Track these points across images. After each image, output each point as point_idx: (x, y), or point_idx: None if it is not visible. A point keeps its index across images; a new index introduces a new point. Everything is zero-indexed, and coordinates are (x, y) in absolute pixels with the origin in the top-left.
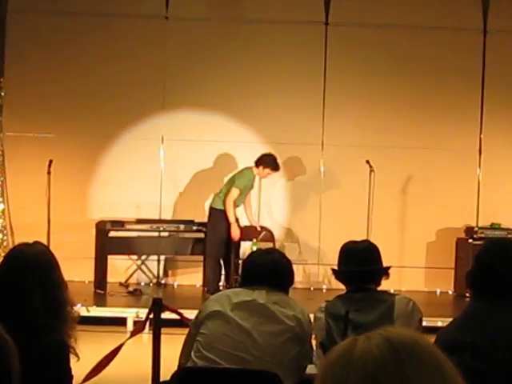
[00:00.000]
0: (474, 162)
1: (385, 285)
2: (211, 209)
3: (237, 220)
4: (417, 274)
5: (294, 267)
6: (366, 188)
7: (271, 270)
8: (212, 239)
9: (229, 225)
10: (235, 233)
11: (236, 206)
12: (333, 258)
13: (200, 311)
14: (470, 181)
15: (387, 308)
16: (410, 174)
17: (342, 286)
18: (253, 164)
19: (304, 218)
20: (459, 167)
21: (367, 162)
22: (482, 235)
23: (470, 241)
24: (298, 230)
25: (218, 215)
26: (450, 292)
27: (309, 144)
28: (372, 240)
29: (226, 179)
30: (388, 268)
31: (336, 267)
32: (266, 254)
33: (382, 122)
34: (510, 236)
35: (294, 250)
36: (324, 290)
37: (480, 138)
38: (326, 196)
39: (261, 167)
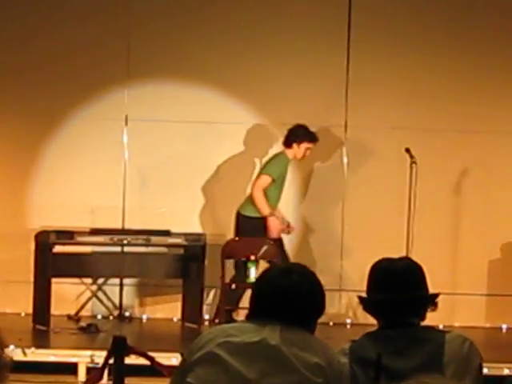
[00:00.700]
0: None
1: (431, 319)
2: (239, 216)
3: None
4: (475, 303)
5: None
6: (405, 186)
7: (290, 297)
8: None
9: (263, 234)
10: (274, 226)
11: (272, 206)
12: (360, 282)
13: (188, 352)
14: None
15: (435, 350)
16: (465, 167)
17: (372, 320)
18: (277, 150)
19: (320, 226)
20: None
21: (407, 150)
22: None
23: None
24: (313, 242)
25: (248, 223)
26: None
27: (327, 126)
28: (413, 257)
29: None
30: (436, 296)
31: (364, 294)
32: (281, 274)
33: (426, 97)
34: None
35: None
36: (348, 326)
37: None
38: (350, 196)
39: (295, 145)
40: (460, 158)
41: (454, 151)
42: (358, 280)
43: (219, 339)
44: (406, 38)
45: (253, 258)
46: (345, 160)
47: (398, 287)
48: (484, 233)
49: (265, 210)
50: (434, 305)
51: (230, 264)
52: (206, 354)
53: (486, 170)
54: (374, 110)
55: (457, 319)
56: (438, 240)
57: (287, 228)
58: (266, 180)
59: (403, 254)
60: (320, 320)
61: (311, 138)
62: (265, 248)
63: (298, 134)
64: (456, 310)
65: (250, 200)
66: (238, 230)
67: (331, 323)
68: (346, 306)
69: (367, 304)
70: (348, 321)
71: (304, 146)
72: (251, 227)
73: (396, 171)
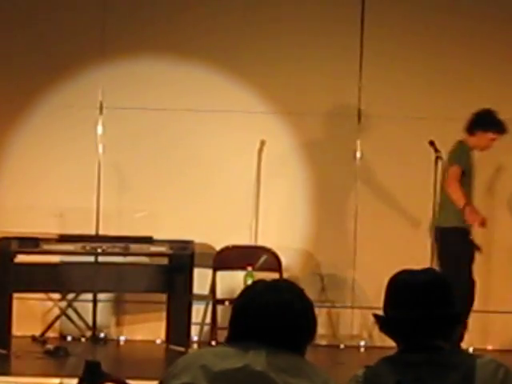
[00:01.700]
0: None
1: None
2: (438, 230)
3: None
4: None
5: (316, 311)
6: (429, 184)
7: (277, 317)
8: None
9: (466, 247)
10: (472, 216)
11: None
12: (375, 298)
13: (162, 382)
14: None
15: (463, 377)
16: (500, 164)
17: (390, 343)
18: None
19: (329, 233)
20: None
21: (431, 143)
22: None
23: None
24: (320, 252)
25: (453, 236)
26: None
27: (338, 114)
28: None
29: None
30: (464, 314)
31: (381, 312)
32: (268, 290)
33: (453, 81)
34: None
35: (312, 285)
36: (362, 349)
37: None
38: (364, 198)
39: (479, 133)
40: (495, 153)
41: None
42: (374, 295)
43: (196, 367)
44: (427, 22)
45: (250, 269)
46: (358, 155)
47: (421, 303)
48: None
49: (460, 200)
50: (464, 325)
51: (222, 276)
52: None
53: None
54: (392, 95)
55: (490, 341)
56: None
57: (482, 221)
58: (455, 171)
59: (427, 264)
60: (329, 342)
61: (499, 127)
62: (263, 258)
63: (484, 121)
64: (489, 331)
65: (448, 209)
66: (441, 246)
67: (342, 346)
68: (359, 326)
69: (384, 323)
70: (362, 343)
71: (489, 135)
72: (456, 239)
73: (418, 167)
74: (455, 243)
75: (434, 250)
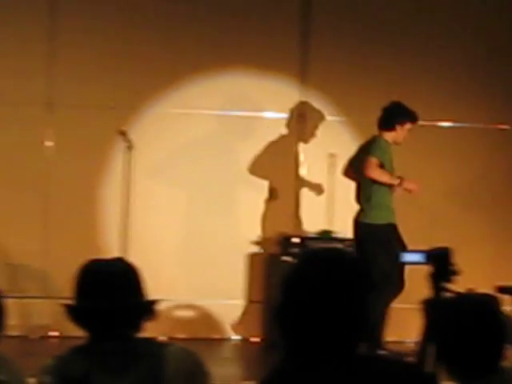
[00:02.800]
0: None
1: (155, 330)
2: (358, 224)
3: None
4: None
5: (6, 302)
6: (116, 173)
7: None
8: (380, 267)
9: (383, 242)
10: (412, 183)
11: (387, 205)
12: (66, 288)
13: None
14: None
15: (153, 365)
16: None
17: (82, 333)
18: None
19: (20, 221)
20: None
21: (121, 132)
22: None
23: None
24: (10, 241)
25: (372, 231)
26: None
27: (25, 104)
28: (134, 258)
29: None
30: (154, 303)
31: (72, 301)
32: None
33: (142, 68)
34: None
35: (2, 275)
36: (53, 339)
37: None
38: (55, 186)
39: (397, 126)
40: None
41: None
42: (65, 285)
43: None
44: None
45: None
46: (47, 144)
47: (110, 293)
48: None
49: (393, 179)
50: (153, 313)
51: None
52: None
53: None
54: (81, 86)
55: (180, 330)
56: (160, 239)
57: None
58: (373, 161)
59: (119, 254)
60: (20, 333)
61: (413, 117)
62: None
63: (400, 114)
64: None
65: (368, 204)
66: (359, 240)
67: (34, 336)
68: (50, 316)
69: (74, 313)
70: (53, 333)
71: (407, 127)
72: (375, 234)
73: (108, 157)
74: (387, 239)
75: (127, 237)
